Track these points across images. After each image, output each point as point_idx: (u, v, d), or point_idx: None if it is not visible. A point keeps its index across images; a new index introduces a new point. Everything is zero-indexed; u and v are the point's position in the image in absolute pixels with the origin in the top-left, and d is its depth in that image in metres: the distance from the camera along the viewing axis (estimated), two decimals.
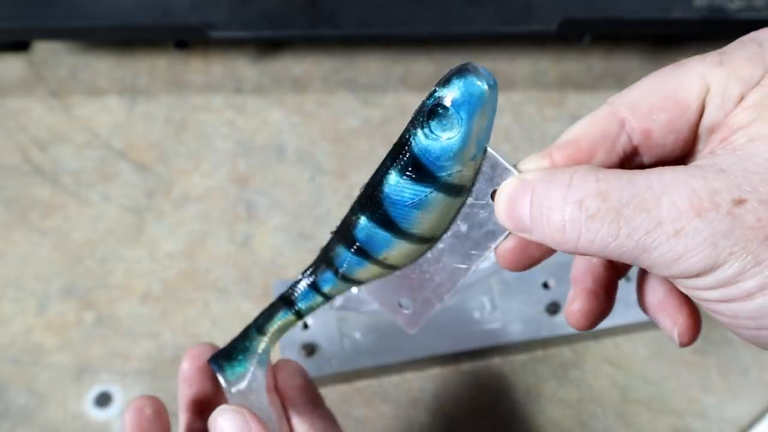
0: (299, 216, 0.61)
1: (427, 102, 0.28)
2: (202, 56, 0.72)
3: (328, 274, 0.34)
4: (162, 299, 0.56)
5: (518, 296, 0.54)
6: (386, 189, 0.30)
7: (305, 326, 0.53)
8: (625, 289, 0.54)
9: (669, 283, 0.33)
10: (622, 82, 0.69)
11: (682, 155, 0.28)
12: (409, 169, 0.29)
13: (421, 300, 0.35)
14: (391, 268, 0.33)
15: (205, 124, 0.67)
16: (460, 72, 0.27)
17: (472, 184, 0.30)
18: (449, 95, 0.27)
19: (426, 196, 0.29)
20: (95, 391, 0.52)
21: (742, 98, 0.26)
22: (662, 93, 0.27)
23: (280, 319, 0.36)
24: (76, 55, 0.72)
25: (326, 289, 0.34)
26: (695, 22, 0.60)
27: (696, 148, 0.28)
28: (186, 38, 0.68)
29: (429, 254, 0.33)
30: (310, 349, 0.51)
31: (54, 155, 0.65)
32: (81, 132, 0.67)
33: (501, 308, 0.53)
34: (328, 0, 0.63)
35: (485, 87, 0.27)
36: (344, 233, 0.32)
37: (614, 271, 0.34)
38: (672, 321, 0.32)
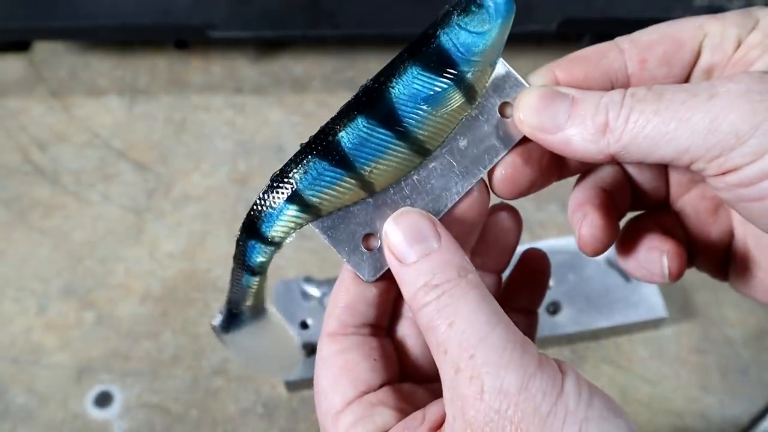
0: None
1: (462, 2, 0.28)
2: (202, 56, 0.72)
3: (278, 202, 0.29)
4: (162, 299, 0.56)
5: None
6: (401, 81, 0.28)
7: (305, 326, 0.53)
8: (626, 290, 0.54)
9: (656, 218, 0.33)
10: None
11: None
12: (433, 60, 0.28)
13: None
14: (369, 188, 0.29)
15: (205, 124, 0.67)
16: None
17: (482, 95, 0.29)
18: None
19: (444, 90, 0.28)
20: (95, 391, 0.52)
21: (739, 41, 0.27)
22: (661, 31, 0.29)
23: (249, 282, 0.32)
24: (76, 55, 0.72)
25: (271, 228, 0.30)
26: None
27: None
28: (186, 38, 0.68)
29: (415, 175, 0.30)
30: (310, 349, 0.51)
31: (54, 155, 0.65)
32: (81, 132, 0.67)
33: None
34: (328, 0, 0.63)
35: (513, 4, 0.29)
36: (323, 141, 0.28)
37: (614, 207, 0.33)
38: (658, 252, 0.31)
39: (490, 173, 0.30)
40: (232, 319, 0.34)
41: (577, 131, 0.27)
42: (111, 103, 0.69)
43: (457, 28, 0.28)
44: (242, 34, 0.63)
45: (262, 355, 0.36)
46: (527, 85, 0.29)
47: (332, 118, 0.29)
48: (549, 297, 0.54)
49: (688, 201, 0.33)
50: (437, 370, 0.26)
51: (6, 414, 0.51)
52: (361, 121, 0.28)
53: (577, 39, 0.67)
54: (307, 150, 0.29)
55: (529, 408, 0.23)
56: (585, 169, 0.33)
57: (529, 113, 0.28)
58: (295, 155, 0.29)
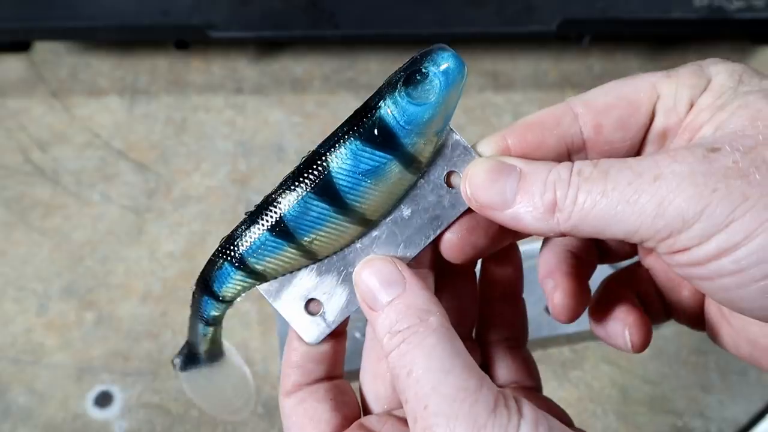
0: None
1: (406, 68, 0.28)
2: (202, 56, 0.72)
3: (226, 267, 0.30)
4: (162, 299, 0.56)
5: None
6: (340, 154, 0.27)
7: None
8: None
9: (622, 290, 0.33)
10: None
11: (628, 156, 0.29)
12: (373, 133, 0.27)
13: (337, 300, 0.31)
14: (311, 255, 0.29)
15: (205, 124, 0.67)
16: (442, 48, 0.28)
17: (427, 165, 0.29)
18: (430, 64, 0.27)
19: (384, 164, 0.28)
20: (96, 390, 0.52)
21: (691, 103, 0.27)
22: (616, 93, 0.28)
23: (206, 330, 0.34)
24: (76, 56, 0.72)
25: (222, 288, 0.31)
26: (695, 22, 0.60)
27: (644, 151, 0.29)
28: (186, 38, 0.68)
29: (358, 244, 0.30)
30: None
31: (54, 155, 0.65)
32: (81, 132, 0.67)
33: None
34: (328, 0, 0.63)
35: (464, 66, 0.27)
36: (264, 210, 0.29)
37: (583, 269, 0.34)
38: (622, 324, 0.32)
39: (438, 239, 0.30)
40: (190, 358, 0.35)
41: (526, 209, 0.26)
42: (111, 103, 0.69)
43: (399, 98, 0.27)
44: (242, 35, 0.63)
45: (216, 396, 0.37)
46: (475, 155, 0.28)
47: (277, 186, 0.29)
48: None
49: (654, 261, 0.33)
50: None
51: (6, 414, 0.51)
52: (300, 192, 0.28)
53: (577, 39, 0.67)
54: (251, 219, 0.29)
55: None
56: None
57: (476, 189, 0.27)
58: (241, 222, 0.29)
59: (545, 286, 0.32)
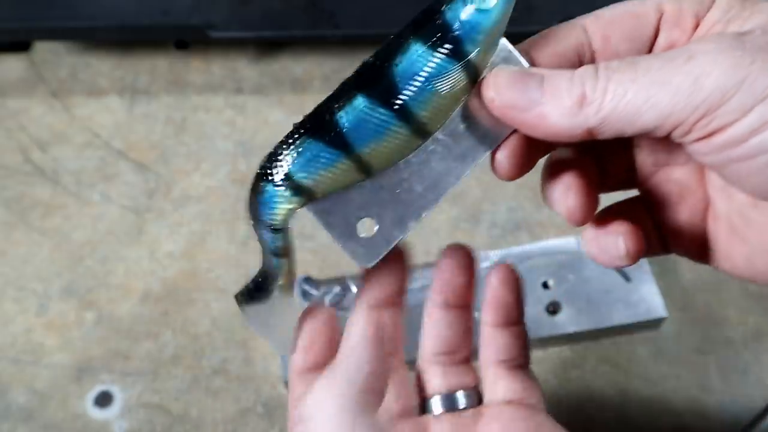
0: (299, 216, 0.61)
1: None
2: (202, 56, 0.72)
3: (269, 189, 0.28)
4: (162, 299, 0.56)
5: None
6: (404, 60, 0.27)
7: None
8: (626, 290, 0.54)
9: (620, 209, 0.33)
10: None
11: None
12: (438, 38, 0.27)
13: (391, 218, 0.29)
14: (366, 170, 0.28)
15: (205, 124, 0.67)
16: None
17: (480, 76, 0.28)
18: None
19: (448, 70, 0.27)
20: (96, 390, 0.52)
21: (697, 19, 0.28)
22: (623, 9, 0.29)
23: (279, 265, 0.31)
24: (76, 56, 0.72)
25: (269, 215, 0.28)
26: None
27: None
28: (186, 38, 0.68)
29: (413, 158, 0.28)
30: None
31: (54, 155, 0.65)
32: (81, 132, 0.67)
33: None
34: (328, 1, 0.63)
35: None
36: (318, 121, 0.27)
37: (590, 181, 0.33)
38: (615, 234, 0.31)
39: (492, 155, 0.29)
40: (257, 292, 0.33)
41: (553, 106, 0.26)
42: (111, 103, 0.69)
43: (462, 4, 0.27)
44: (242, 35, 0.63)
45: (274, 329, 0.36)
46: (527, 66, 0.28)
47: (329, 97, 0.27)
48: (549, 297, 0.54)
49: (653, 185, 0.33)
50: None
51: (6, 414, 0.51)
52: (361, 100, 0.27)
53: None
54: (300, 130, 0.27)
55: None
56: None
57: (500, 89, 0.27)
58: (287, 136, 0.27)
59: (555, 193, 0.31)
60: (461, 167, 0.29)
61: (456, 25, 0.27)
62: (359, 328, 0.32)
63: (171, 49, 0.71)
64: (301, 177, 0.27)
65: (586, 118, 0.25)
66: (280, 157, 0.27)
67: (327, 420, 0.30)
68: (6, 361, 0.54)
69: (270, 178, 0.28)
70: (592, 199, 0.31)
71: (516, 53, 0.28)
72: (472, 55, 0.27)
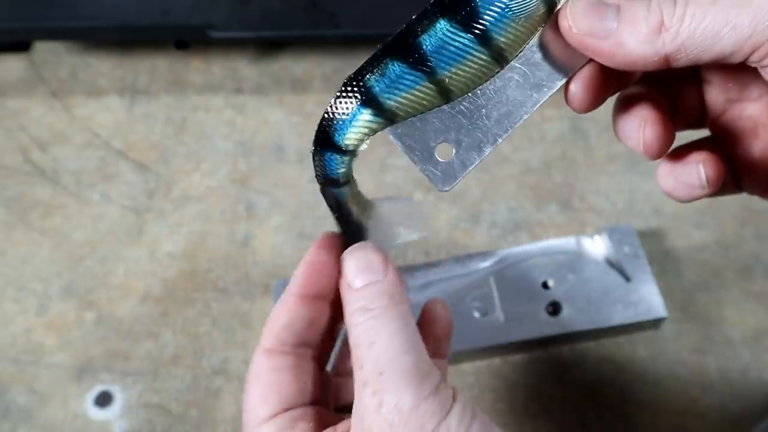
0: (299, 216, 0.61)
1: None
2: (202, 56, 0.72)
3: (353, 106, 0.28)
4: (162, 299, 0.56)
5: (518, 296, 0.54)
6: None
7: None
8: (626, 290, 0.54)
9: (693, 146, 0.33)
10: None
11: None
12: None
13: (468, 143, 0.30)
14: (446, 95, 0.29)
15: (205, 124, 0.67)
16: None
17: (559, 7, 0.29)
18: None
19: None
20: (96, 390, 0.52)
21: None
22: None
23: (343, 194, 0.32)
24: (76, 56, 0.72)
25: (345, 134, 0.29)
26: None
27: None
28: (186, 38, 0.68)
29: (490, 85, 0.29)
30: None
31: (54, 155, 0.65)
32: (81, 132, 0.67)
33: (501, 308, 0.53)
34: (328, 1, 0.63)
35: None
36: (400, 43, 0.28)
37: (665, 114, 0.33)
38: (694, 163, 0.31)
39: (566, 87, 0.30)
40: (354, 237, 0.33)
41: (630, 33, 0.26)
42: (111, 103, 0.69)
43: None
44: (242, 35, 0.63)
45: (402, 228, 0.36)
46: None
47: (411, 21, 0.28)
48: (549, 297, 0.54)
49: (725, 122, 0.33)
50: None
51: (6, 414, 0.51)
52: (443, 24, 0.27)
53: None
54: (384, 52, 0.28)
55: (416, 425, 0.27)
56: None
57: (576, 18, 0.27)
58: (371, 58, 0.28)
59: (629, 126, 0.31)
60: (536, 96, 0.30)
61: None
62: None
63: (171, 49, 0.71)
64: (385, 98, 0.28)
65: (663, 44, 0.26)
66: (364, 77, 0.28)
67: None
68: (6, 361, 0.54)
69: (354, 97, 0.28)
70: (668, 131, 0.31)
71: None
72: None
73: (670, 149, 0.32)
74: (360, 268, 0.30)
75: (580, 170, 0.63)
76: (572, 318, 0.53)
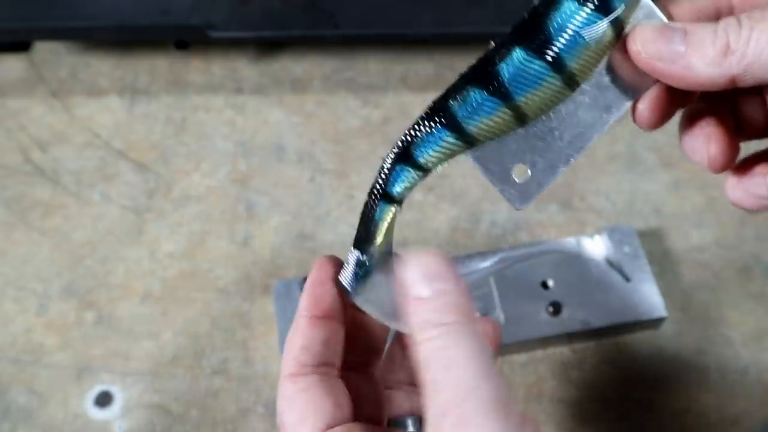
0: (299, 216, 0.61)
1: None
2: (202, 56, 0.72)
3: (438, 129, 0.31)
4: (162, 299, 0.56)
5: (518, 296, 0.54)
6: (558, 16, 0.30)
7: None
8: (625, 290, 0.54)
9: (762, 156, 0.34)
10: None
11: None
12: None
13: (543, 165, 0.32)
14: (522, 119, 0.31)
15: (205, 124, 0.67)
16: None
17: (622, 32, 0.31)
18: None
19: (597, 24, 0.30)
20: (95, 390, 0.52)
21: None
22: None
23: (384, 213, 0.33)
24: (76, 56, 0.72)
25: (427, 153, 0.31)
26: None
27: None
28: (186, 38, 0.68)
29: (562, 108, 0.32)
30: None
31: (54, 155, 0.65)
32: (81, 132, 0.67)
33: (501, 308, 0.53)
34: (328, 0, 0.63)
35: None
36: (480, 72, 0.30)
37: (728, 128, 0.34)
38: (762, 175, 0.32)
39: (633, 106, 0.32)
40: (359, 270, 0.33)
41: (698, 57, 0.28)
42: (111, 103, 0.69)
43: None
44: (242, 35, 0.63)
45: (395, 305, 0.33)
46: (666, 21, 0.30)
47: (489, 51, 0.30)
48: (549, 297, 0.54)
49: None
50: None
51: (6, 413, 0.51)
52: (519, 53, 0.30)
53: None
54: (465, 80, 0.30)
55: None
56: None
57: (646, 42, 0.29)
58: (453, 86, 0.31)
59: (695, 142, 0.33)
60: (606, 117, 0.32)
61: None
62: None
63: (171, 49, 0.71)
64: (466, 123, 0.31)
65: (729, 66, 0.27)
66: (448, 103, 0.30)
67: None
68: (6, 361, 0.54)
69: (440, 121, 0.31)
70: (733, 146, 0.32)
71: (657, 10, 0.30)
72: (618, 10, 0.30)
73: (738, 160, 0.33)
74: (427, 276, 0.28)
75: (580, 170, 0.63)
76: (572, 318, 0.53)
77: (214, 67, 0.71)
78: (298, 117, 0.67)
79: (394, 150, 0.32)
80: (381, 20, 0.62)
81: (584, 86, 0.31)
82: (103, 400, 0.52)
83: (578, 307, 0.53)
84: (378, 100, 0.68)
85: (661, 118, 0.32)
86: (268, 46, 0.72)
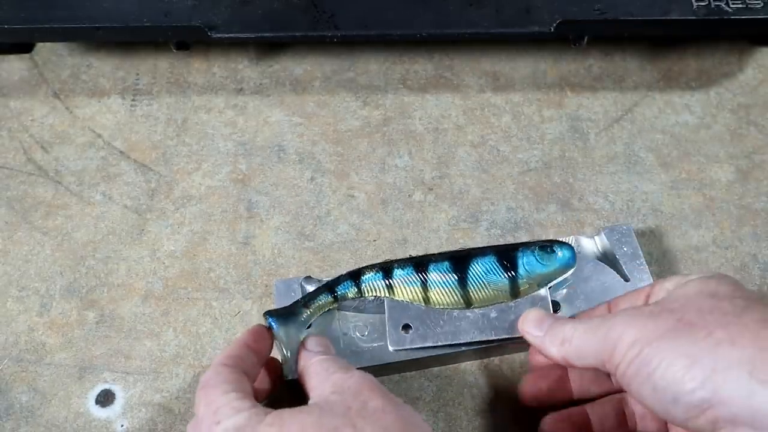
0: (299, 216, 0.61)
1: (544, 241, 0.51)
2: (203, 57, 0.72)
3: (376, 275, 0.50)
4: (163, 298, 0.57)
5: None
6: (482, 259, 0.50)
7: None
8: (624, 289, 0.55)
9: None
10: (620, 83, 0.70)
11: None
12: (507, 259, 0.50)
13: (421, 333, 0.49)
14: (426, 300, 0.49)
15: (206, 125, 0.67)
16: (569, 246, 0.51)
17: (521, 298, 0.50)
18: (559, 248, 0.51)
19: (501, 280, 0.50)
20: (97, 389, 0.53)
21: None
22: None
23: (320, 300, 0.49)
24: (78, 57, 0.72)
25: (365, 283, 0.50)
26: (693, 23, 0.61)
27: None
28: (187, 39, 0.68)
29: (455, 312, 0.49)
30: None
31: (56, 155, 0.65)
32: (83, 132, 0.67)
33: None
34: (328, 1, 0.64)
35: (575, 260, 0.51)
36: (418, 263, 0.50)
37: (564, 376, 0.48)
38: None
39: (522, 388, 0.48)
40: (288, 317, 0.47)
41: (550, 341, 0.44)
42: (113, 103, 0.69)
43: (530, 253, 0.50)
44: (243, 36, 0.63)
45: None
46: (550, 311, 0.49)
47: (432, 254, 0.51)
48: (549, 297, 0.54)
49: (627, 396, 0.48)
50: None
51: (9, 412, 0.51)
52: (447, 264, 0.50)
53: (575, 40, 0.67)
54: (409, 261, 0.51)
55: None
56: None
57: (524, 321, 0.47)
58: (402, 260, 0.51)
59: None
60: (474, 337, 0.49)
61: (520, 261, 0.50)
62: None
63: (172, 51, 0.71)
64: (395, 278, 0.51)
65: (565, 351, 0.43)
66: (394, 265, 0.51)
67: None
68: (8, 360, 0.54)
69: (380, 270, 0.51)
70: (548, 388, 0.48)
71: (549, 301, 0.49)
72: (518, 281, 0.49)
73: None
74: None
75: (579, 170, 0.63)
76: None
77: (215, 68, 0.71)
78: (298, 117, 0.67)
79: (356, 271, 0.51)
80: (381, 21, 0.63)
81: (477, 309, 0.49)
82: (105, 398, 0.52)
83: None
84: (378, 100, 0.68)
85: (541, 399, 0.48)
86: (269, 46, 0.73)
